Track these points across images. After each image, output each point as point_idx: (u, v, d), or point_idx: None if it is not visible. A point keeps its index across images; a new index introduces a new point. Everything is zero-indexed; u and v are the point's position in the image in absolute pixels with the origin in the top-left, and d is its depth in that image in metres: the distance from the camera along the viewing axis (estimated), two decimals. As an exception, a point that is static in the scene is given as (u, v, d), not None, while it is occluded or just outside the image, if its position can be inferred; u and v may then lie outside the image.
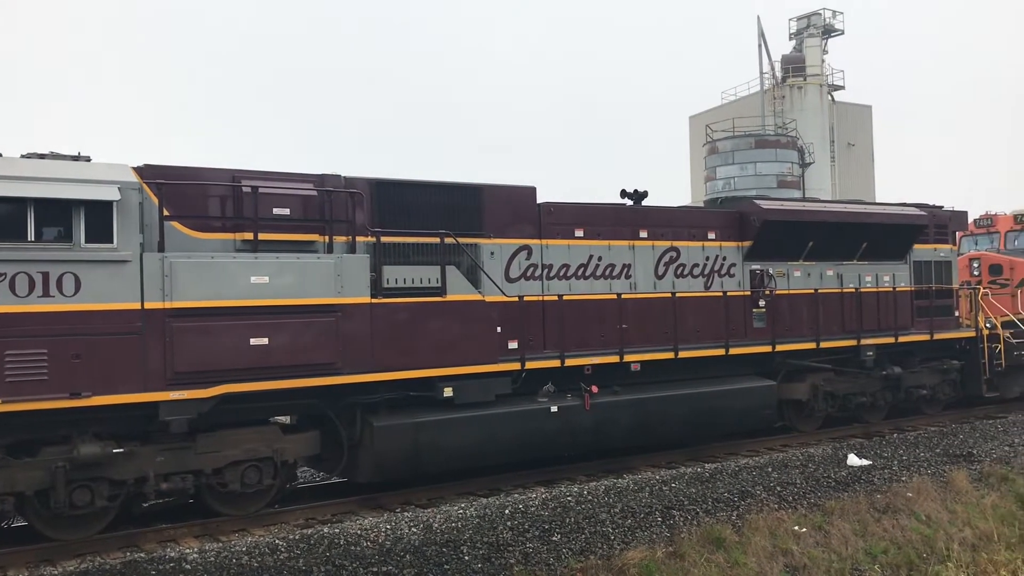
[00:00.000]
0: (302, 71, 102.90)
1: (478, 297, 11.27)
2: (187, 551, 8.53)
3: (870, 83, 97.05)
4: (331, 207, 10.52)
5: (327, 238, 10.43)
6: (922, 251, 16.89)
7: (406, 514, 9.92)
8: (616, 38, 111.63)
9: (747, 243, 14.47)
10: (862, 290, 15.55)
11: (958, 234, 19.68)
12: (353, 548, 8.53)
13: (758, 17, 42.00)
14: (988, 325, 17.18)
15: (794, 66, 42.03)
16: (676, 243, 13.79)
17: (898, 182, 73.11)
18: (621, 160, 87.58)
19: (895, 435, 14.91)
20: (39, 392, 8.41)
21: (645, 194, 13.80)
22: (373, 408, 10.59)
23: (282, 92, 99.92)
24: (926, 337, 16.14)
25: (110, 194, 8.86)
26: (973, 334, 17.01)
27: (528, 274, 12.37)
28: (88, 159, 9.37)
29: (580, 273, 12.84)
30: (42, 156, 9.11)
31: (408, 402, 10.76)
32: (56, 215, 8.71)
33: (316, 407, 10.37)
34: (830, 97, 43.45)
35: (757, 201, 14.99)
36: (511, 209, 12.28)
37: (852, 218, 15.49)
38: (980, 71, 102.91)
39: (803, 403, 14.92)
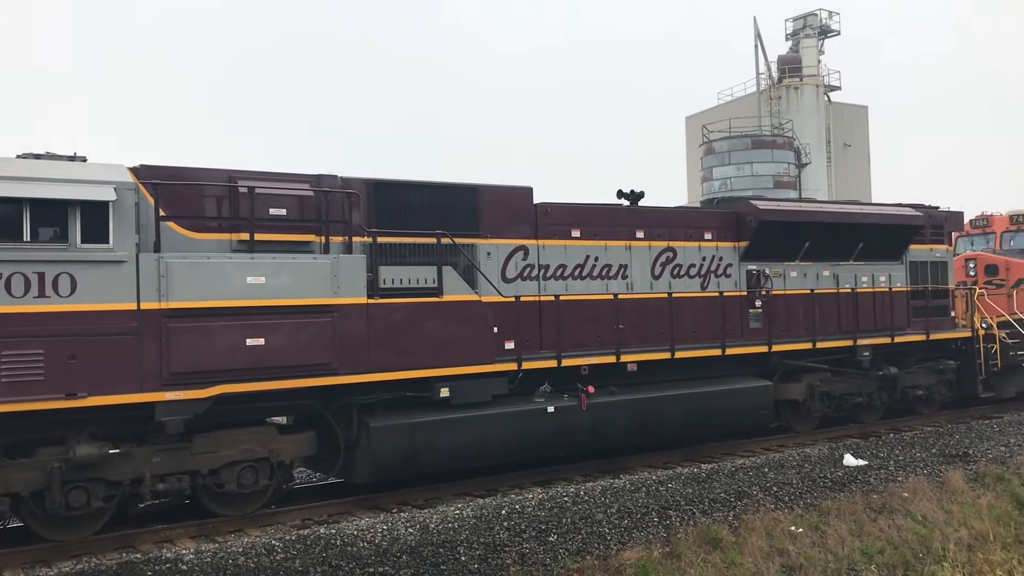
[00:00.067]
0: (302, 71, 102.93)
1: (475, 297, 11.27)
2: (183, 552, 8.52)
3: (866, 84, 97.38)
4: (327, 207, 10.51)
5: (323, 238, 10.42)
6: (918, 251, 16.93)
7: (403, 515, 9.92)
8: (615, 38, 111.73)
9: (743, 243, 14.49)
10: (858, 290, 15.57)
11: (954, 234, 19.72)
12: (349, 549, 8.52)
13: (754, 18, 42.37)
14: (984, 325, 17.22)
15: (790, 67, 42.08)
16: (672, 243, 13.81)
17: (894, 183, 73.30)
18: (619, 160, 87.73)
19: (891, 435, 14.94)
20: (35, 392, 8.39)
21: (642, 194, 13.82)
22: (370, 408, 10.58)
23: (282, 92, 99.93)
24: (922, 337, 16.17)
25: (106, 194, 8.84)
26: (969, 334, 17.04)
27: (525, 274, 12.38)
28: (84, 159, 9.36)
29: (577, 273, 12.85)
30: (38, 156, 9.10)
31: (405, 402, 10.75)
32: (52, 215, 8.69)
33: (312, 408, 10.35)
34: (826, 98, 43.53)
35: (753, 201, 15.01)
36: (508, 209, 12.29)
37: (848, 218, 15.51)
38: (976, 72, 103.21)
39: (799, 403, 14.93)
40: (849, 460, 12.56)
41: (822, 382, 15.00)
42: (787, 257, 14.99)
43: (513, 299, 11.89)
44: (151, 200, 9.37)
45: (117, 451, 8.99)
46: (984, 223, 21.95)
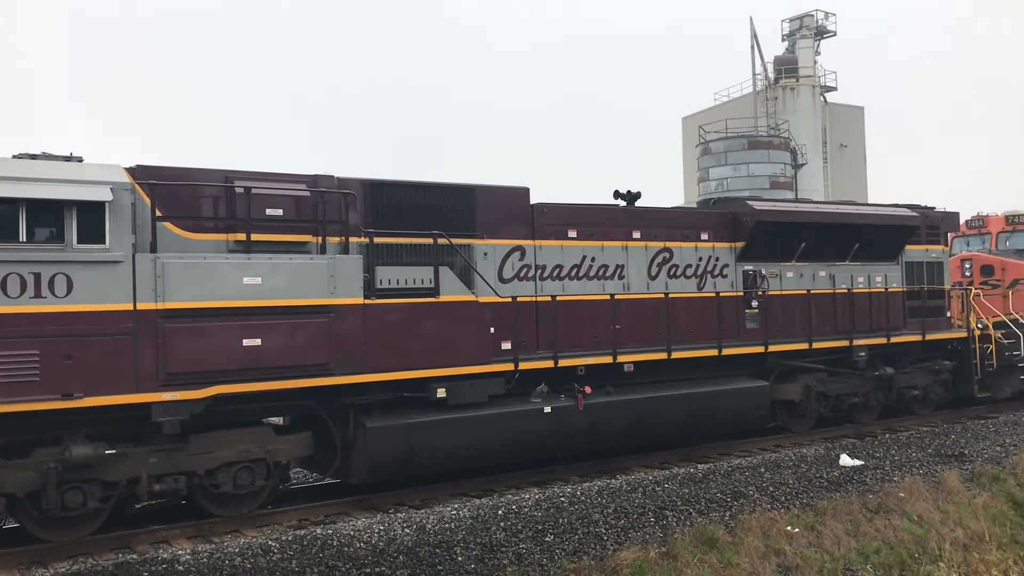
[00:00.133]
0: (302, 71, 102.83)
1: (471, 298, 11.27)
2: (180, 552, 8.51)
3: (865, 84, 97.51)
4: (324, 208, 10.50)
5: (320, 239, 10.42)
6: (914, 252, 16.96)
7: (399, 515, 9.91)
8: (615, 38, 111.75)
9: (740, 244, 14.51)
10: (854, 291, 15.60)
11: (950, 235, 19.77)
12: (346, 549, 8.52)
13: (751, 18, 42.19)
14: (980, 326, 17.26)
15: (787, 67, 42.15)
16: (669, 244, 13.82)
17: (890, 183, 73.41)
18: (618, 160, 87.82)
19: (887, 435, 14.96)
20: (31, 393, 8.38)
21: (638, 195, 13.83)
22: (366, 409, 10.58)
23: (281, 92, 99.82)
24: (918, 338, 16.20)
25: (102, 195, 8.83)
26: (965, 335, 17.08)
27: (522, 275, 12.38)
28: (80, 159, 9.35)
29: (573, 274, 12.85)
30: (34, 156, 9.09)
31: (401, 403, 10.75)
32: (48, 216, 8.68)
33: (309, 408, 10.34)
34: (822, 98, 43.57)
35: (750, 202, 15.03)
36: (504, 210, 12.29)
37: (844, 219, 15.54)
38: (973, 72, 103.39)
39: (796, 403, 14.96)
40: (845, 460, 12.57)
41: (818, 382, 15.02)
42: (783, 257, 15.01)
43: (510, 299, 11.89)
44: (147, 200, 9.37)
45: (113, 452, 8.99)
46: (980, 224, 22.00)
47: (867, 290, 15.87)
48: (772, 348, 14.26)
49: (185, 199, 9.91)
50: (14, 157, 9.02)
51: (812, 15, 42.93)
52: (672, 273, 13.82)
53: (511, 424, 11.41)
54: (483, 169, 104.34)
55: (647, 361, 12.88)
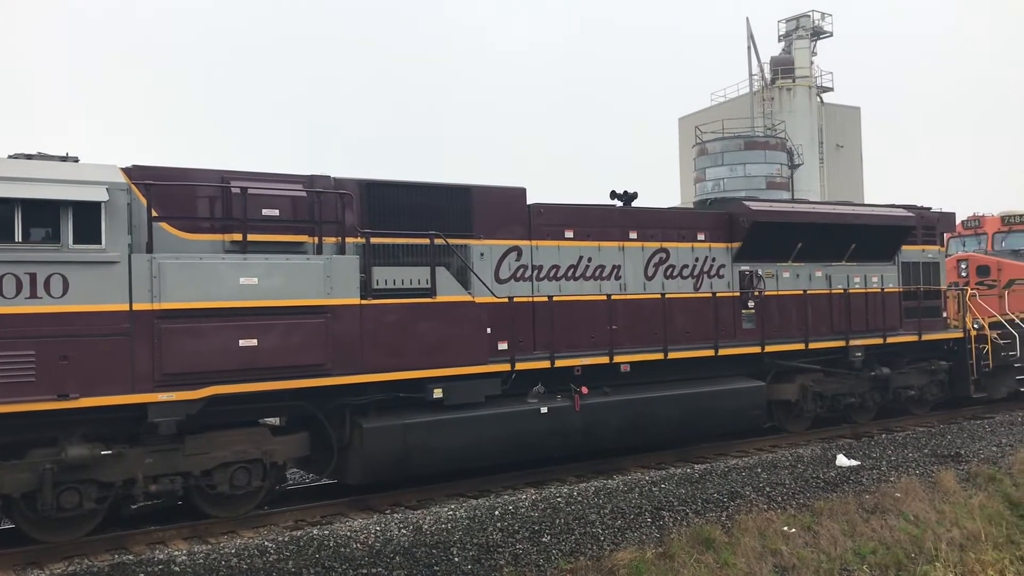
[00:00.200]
0: (301, 71, 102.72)
1: (468, 298, 11.27)
2: (176, 553, 8.50)
3: (859, 85, 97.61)
4: (320, 208, 10.49)
5: (316, 239, 10.41)
6: (910, 252, 16.99)
7: (396, 516, 9.91)
8: (614, 39, 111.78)
9: (736, 244, 14.52)
10: (851, 291, 15.63)
11: (946, 235, 19.79)
12: (343, 550, 8.51)
13: (747, 19, 42.19)
14: (976, 326, 17.29)
15: (783, 68, 42.18)
16: (666, 244, 13.83)
17: (886, 184, 73.46)
18: (618, 160, 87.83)
19: (883, 435, 14.98)
20: (26, 394, 8.36)
21: (635, 195, 13.84)
22: (363, 409, 10.57)
23: (281, 92, 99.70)
24: (914, 338, 16.23)
25: (98, 195, 8.82)
26: (961, 335, 17.11)
27: (518, 275, 12.38)
28: (76, 159, 9.33)
29: (570, 274, 12.85)
30: (29, 156, 9.07)
31: (398, 403, 10.75)
32: (44, 216, 8.67)
33: (305, 408, 10.34)
34: (819, 99, 43.62)
35: (746, 202, 15.04)
36: (501, 210, 12.29)
37: (841, 219, 15.56)
38: (969, 73, 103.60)
39: (792, 404, 14.97)
40: (842, 460, 12.59)
41: (815, 382, 15.04)
42: (780, 258, 15.03)
43: (507, 300, 11.89)
44: (143, 201, 9.35)
45: (109, 452, 8.97)
46: (976, 224, 22.04)
47: (863, 290, 15.89)
48: (768, 348, 14.27)
49: (181, 199, 9.89)
50: (10, 157, 9.00)
51: (809, 16, 42.98)
52: (668, 273, 13.83)
53: (508, 424, 11.41)
54: (483, 169, 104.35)
55: (644, 361, 12.89)
